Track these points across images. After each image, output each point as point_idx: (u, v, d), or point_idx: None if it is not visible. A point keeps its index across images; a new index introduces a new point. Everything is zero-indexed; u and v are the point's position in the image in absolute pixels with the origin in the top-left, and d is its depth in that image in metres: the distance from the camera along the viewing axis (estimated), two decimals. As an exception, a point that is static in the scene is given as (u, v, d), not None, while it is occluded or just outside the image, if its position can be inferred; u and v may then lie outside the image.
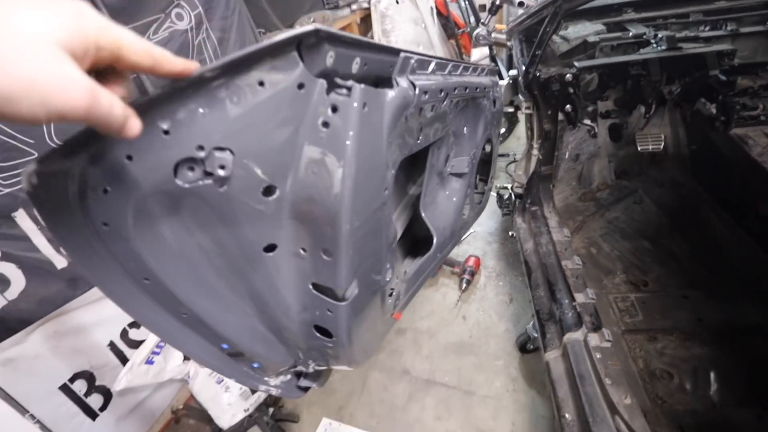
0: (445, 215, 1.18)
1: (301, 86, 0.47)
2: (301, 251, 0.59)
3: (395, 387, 1.66)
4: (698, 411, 1.19)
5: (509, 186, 1.93)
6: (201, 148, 0.43)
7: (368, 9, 2.73)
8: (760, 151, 1.52)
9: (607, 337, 1.19)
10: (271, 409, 1.69)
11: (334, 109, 0.50)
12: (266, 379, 0.80)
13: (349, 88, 0.50)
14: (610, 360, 1.15)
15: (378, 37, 2.69)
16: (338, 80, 0.50)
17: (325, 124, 0.50)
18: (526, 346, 1.64)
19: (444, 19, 3.09)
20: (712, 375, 1.25)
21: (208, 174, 0.45)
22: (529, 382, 1.58)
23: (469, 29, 2.92)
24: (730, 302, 1.39)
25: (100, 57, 0.31)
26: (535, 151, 1.65)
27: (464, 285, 1.98)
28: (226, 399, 1.67)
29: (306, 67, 0.47)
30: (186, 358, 1.68)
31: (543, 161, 1.66)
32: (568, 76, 1.48)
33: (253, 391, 1.70)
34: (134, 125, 0.33)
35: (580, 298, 1.30)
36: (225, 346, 0.68)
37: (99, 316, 1.48)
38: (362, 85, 0.51)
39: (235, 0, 1.88)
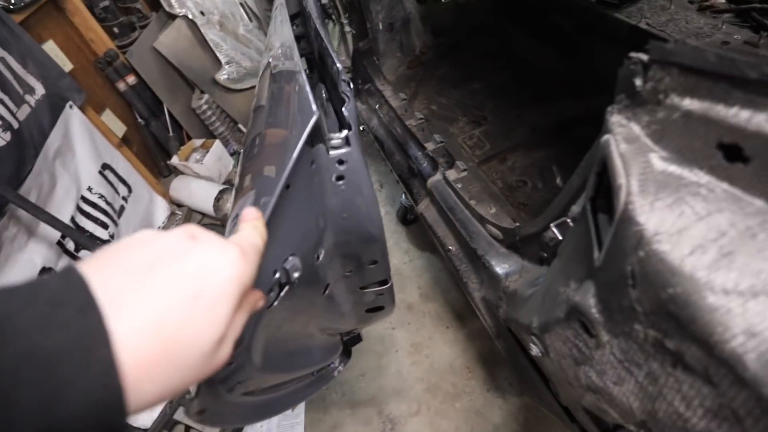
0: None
1: (312, 163, 0.54)
2: (347, 273, 0.72)
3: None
4: (551, 198, 1.35)
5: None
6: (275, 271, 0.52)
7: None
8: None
9: (462, 168, 1.26)
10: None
11: (341, 162, 0.56)
12: (331, 366, 1.03)
13: (346, 139, 0.55)
14: (470, 185, 1.22)
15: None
16: (333, 137, 0.55)
17: (340, 178, 0.57)
18: (406, 218, 1.70)
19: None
20: (554, 168, 1.41)
21: (285, 284, 0.54)
22: (421, 247, 1.66)
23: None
24: (550, 105, 1.55)
25: None
26: (347, 28, 1.59)
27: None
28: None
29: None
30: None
31: (358, 36, 1.62)
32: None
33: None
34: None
35: (430, 146, 1.34)
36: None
37: None
38: (352, 130, 0.56)
39: None
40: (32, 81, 1.64)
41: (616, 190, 0.43)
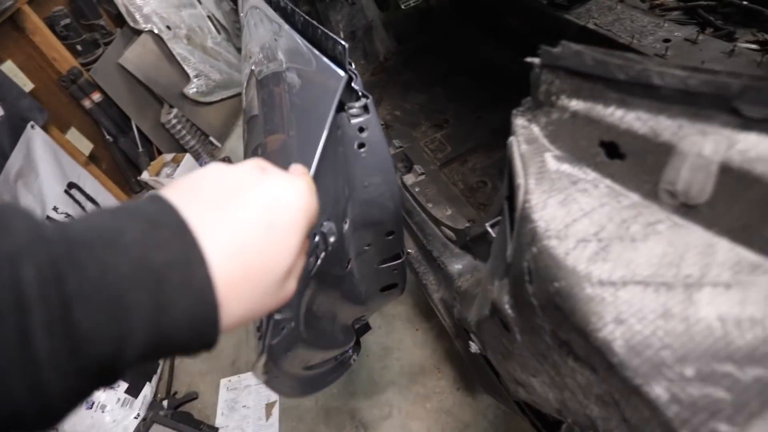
0: None
1: (338, 129, 0.54)
2: (365, 247, 0.71)
3: (276, 316, 1.63)
4: (510, 199, 1.38)
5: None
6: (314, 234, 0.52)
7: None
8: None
9: (420, 171, 1.28)
10: (165, 402, 1.56)
11: (362, 130, 0.56)
12: (348, 352, 1.03)
13: (365, 107, 0.55)
14: (428, 188, 1.24)
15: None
16: (352, 105, 0.55)
17: (361, 146, 0.57)
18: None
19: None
20: (513, 168, 1.44)
21: (323, 249, 0.54)
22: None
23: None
24: (509, 106, 1.58)
25: None
26: (307, 38, 1.61)
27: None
28: (108, 418, 1.49)
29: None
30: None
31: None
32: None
33: (136, 395, 1.55)
34: None
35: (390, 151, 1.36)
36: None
37: None
38: (370, 97, 0.55)
39: None
40: (-9, 103, 1.63)
41: (516, 189, 0.45)
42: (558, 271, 0.39)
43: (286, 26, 0.78)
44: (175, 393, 1.60)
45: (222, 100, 2.67)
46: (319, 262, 0.54)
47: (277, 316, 0.57)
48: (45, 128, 1.81)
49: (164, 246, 0.24)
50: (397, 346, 1.43)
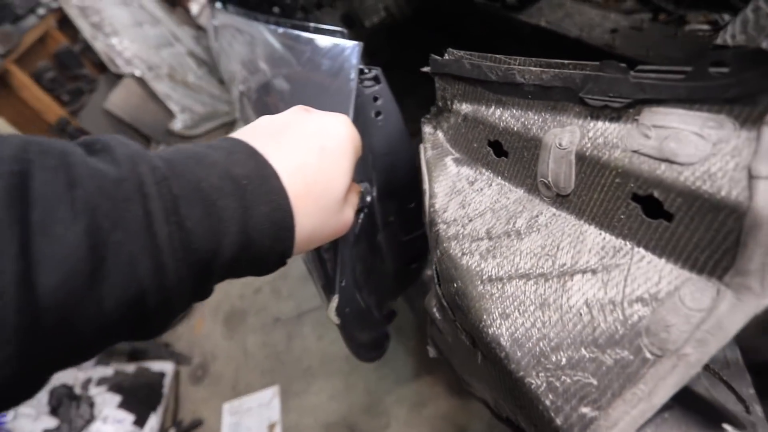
0: None
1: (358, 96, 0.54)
2: (390, 219, 0.69)
3: (272, 338, 1.65)
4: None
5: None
6: None
7: (60, 8, 2.38)
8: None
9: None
10: (171, 430, 1.58)
11: (375, 99, 0.56)
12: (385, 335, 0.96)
13: (375, 78, 0.55)
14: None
15: (90, 34, 2.39)
16: (364, 76, 0.55)
17: (378, 114, 0.56)
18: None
19: (157, -12, 2.84)
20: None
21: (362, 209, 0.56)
22: (380, 261, 1.69)
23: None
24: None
25: None
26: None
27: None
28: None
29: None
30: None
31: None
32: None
33: (142, 426, 1.57)
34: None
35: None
36: None
37: None
38: (379, 68, 0.56)
39: None
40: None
41: (423, 194, 0.47)
42: (456, 271, 0.40)
43: (263, 27, 0.80)
44: (181, 421, 1.62)
45: (208, 132, 2.72)
46: (360, 219, 0.56)
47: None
48: (36, 179, 1.87)
49: (242, 163, 0.29)
50: (392, 356, 1.44)
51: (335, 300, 0.46)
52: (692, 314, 0.26)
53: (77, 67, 2.37)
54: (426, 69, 0.48)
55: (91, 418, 1.51)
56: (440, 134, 0.49)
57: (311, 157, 0.32)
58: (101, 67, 2.48)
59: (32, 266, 0.20)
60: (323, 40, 0.62)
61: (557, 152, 0.34)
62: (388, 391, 1.37)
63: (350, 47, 0.55)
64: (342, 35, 0.60)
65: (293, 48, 0.70)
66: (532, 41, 1.31)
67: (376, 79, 0.58)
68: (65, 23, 2.43)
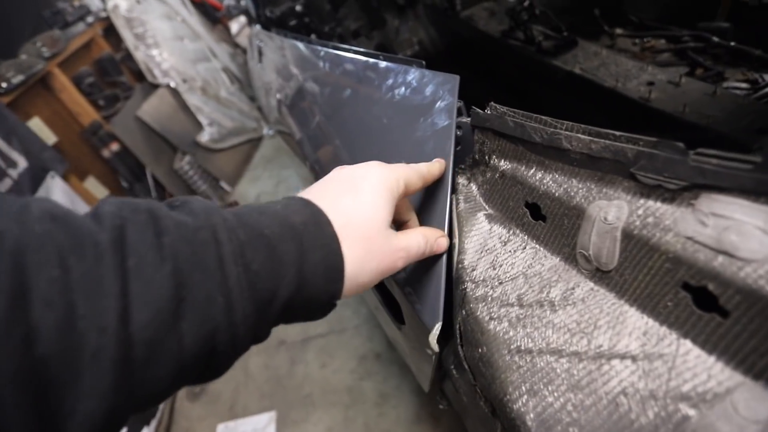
0: None
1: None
2: None
3: (275, 360, 1.62)
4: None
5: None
6: None
7: (108, 18, 2.49)
8: (484, 23, 1.75)
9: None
10: (162, 450, 1.55)
11: (458, 128, 0.52)
12: None
13: (459, 110, 0.52)
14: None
15: (133, 44, 2.48)
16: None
17: (457, 144, 0.50)
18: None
19: (201, 6, 2.96)
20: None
21: None
22: (391, 293, 1.66)
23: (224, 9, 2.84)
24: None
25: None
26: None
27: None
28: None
29: None
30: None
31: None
32: (297, 7, 1.52)
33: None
34: (443, 243, 0.43)
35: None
36: None
37: None
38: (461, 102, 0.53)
39: None
40: (15, 156, 1.74)
41: (452, 248, 0.45)
42: (482, 336, 0.38)
43: (328, 52, 0.81)
44: (174, 441, 1.58)
45: (233, 146, 2.77)
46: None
47: None
48: (65, 177, 1.91)
49: (299, 212, 0.33)
50: (394, 393, 1.39)
51: (438, 327, 0.43)
52: (746, 425, 0.24)
53: (116, 74, 2.45)
54: (464, 120, 0.47)
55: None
56: (474, 187, 0.48)
57: (348, 198, 0.36)
58: (139, 76, 2.56)
59: (129, 304, 0.24)
60: (413, 72, 0.60)
61: (601, 226, 0.33)
62: (388, 429, 1.33)
63: (451, 80, 0.54)
64: (421, 66, 0.58)
65: (373, 77, 0.68)
66: (566, 87, 1.31)
67: (459, 111, 0.55)
68: (110, 32, 2.54)
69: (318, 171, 0.83)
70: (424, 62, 0.59)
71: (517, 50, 1.62)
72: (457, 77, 0.52)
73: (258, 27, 1.68)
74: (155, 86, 2.52)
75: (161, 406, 1.65)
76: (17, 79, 1.87)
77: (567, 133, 0.35)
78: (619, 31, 1.45)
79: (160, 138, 2.47)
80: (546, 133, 0.37)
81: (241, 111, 2.90)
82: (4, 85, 1.85)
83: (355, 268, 0.34)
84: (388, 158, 0.47)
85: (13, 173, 1.70)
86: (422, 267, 0.46)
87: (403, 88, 0.61)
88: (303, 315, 0.34)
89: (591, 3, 1.56)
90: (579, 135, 0.35)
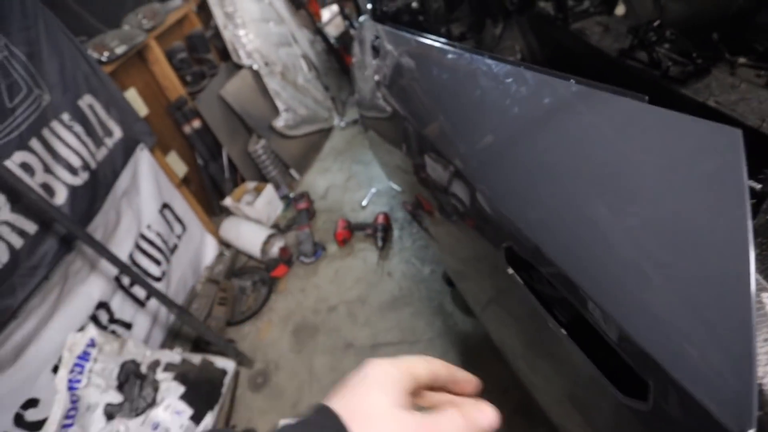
0: None
1: None
2: None
3: (342, 364, 1.61)
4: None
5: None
6: None
7: (203, -6, 2.52)
8: (597, 39, 1.65)
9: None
10: (225, 433, 1.56)
11: None
12: None
13: None
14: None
15: (222, 22, 2.50)
16: None
17: None
18: (452, 279, 1.66)
19: (288, -10, 2.96)
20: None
21: None
22: (465, 311, 1.61)
23: (315, -6, 2.82)
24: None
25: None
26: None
27: (380, 243, 1.96)
28: (173, 440, 1.50)
29: None
30: (111, 417, 1.48)
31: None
32: (414, 4, 1.47)
33: (198, 422, 1.56)
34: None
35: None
36: None
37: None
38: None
39: (34, 7, 1.60)
40: (112, 125, 1.78)
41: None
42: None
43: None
44: (234, 426, 1.60)
45: (305, 135, 2.77)
46: None
47: None
48: (151, 150, 1.94)
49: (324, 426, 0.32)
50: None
51: None
52: None
53: (204, 52, 2.48)
54: (754, 184, 0.42)
55: (152, 403, 1.51)
56: None
57: (357, 392, 0.35)
58: (224, 54, 2.59)
59: None
60: (668, 115, 0.48)
61: None
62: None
63: (729, 135, 0.41)
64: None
65: (588, 109, 0.57)
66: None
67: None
68: (203, 8, 2.57)
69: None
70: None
71: (637, 73, 1.52)
72: (739, 132, 0.41)
73: (369, 19, 1.63)
74: (239, 67, 2.54)
75: (223, 392, 1.66)
76: (121, 49, 1.91)
77: None
78: (742, 60, 1.32)
79: (238, 119, 2.49)
80: None
81: (315, 99, 2.89)
82: (107, 54, 1.89)
83: None
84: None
85: (109, 142, 1.74)
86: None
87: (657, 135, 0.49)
88: None
89: (709, 26, 1.44)
90: None
